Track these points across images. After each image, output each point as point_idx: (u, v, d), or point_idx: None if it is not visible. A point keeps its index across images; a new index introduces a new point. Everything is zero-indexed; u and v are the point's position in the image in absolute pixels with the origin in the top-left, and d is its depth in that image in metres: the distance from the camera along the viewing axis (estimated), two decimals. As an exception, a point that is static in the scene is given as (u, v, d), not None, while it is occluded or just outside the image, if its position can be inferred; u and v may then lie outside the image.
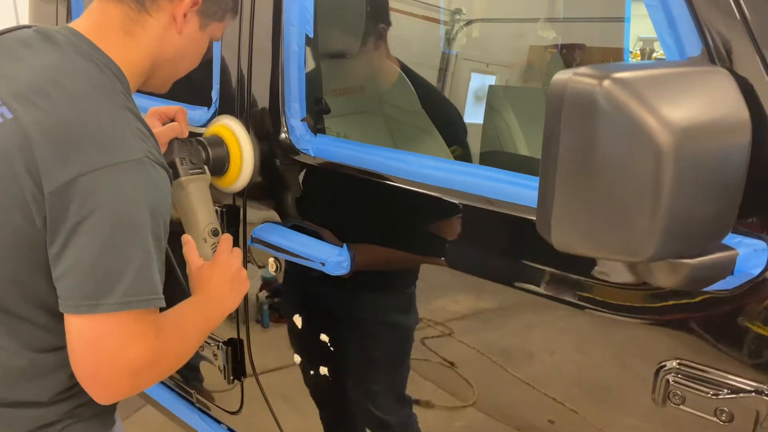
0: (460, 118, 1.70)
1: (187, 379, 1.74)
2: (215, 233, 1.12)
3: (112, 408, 0.98)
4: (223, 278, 1.02)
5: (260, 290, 1.41)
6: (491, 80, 2.33)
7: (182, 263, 1.08)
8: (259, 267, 1.36)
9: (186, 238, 1.06)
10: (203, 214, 1.13)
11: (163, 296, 0.84)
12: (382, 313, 1.23)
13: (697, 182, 0.64)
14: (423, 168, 1.05)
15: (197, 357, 1.57)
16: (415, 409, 1.20)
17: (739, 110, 0.67)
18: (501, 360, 1.04)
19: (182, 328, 0.92)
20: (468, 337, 1.07)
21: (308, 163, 1.21)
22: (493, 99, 2.04)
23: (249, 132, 1.28)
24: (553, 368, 0.98)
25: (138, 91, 1.59)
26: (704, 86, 0.66)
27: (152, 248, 0.81)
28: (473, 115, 2.33)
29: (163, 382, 1.83)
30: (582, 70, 0.64)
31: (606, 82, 0.62)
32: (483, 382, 1.08)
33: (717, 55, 0.74)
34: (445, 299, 1.12)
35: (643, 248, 0.64)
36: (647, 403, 0.84)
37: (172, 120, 1.17)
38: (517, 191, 0.93)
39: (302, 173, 1.23)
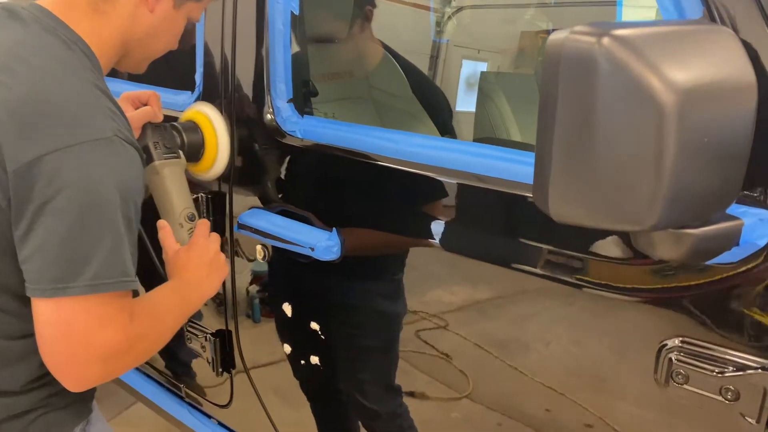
0: (446, 100, 1.67)
1: (175, 373, 1.70)
2: (192, 218, 1.10)
3: (88, 396, 0.94)
4: (200, 262, 0.99)
5: (251, 284, 1.37)
6: (483, 67, 2.30)
7: (159, 249, 1.05)
8: (249, 260, 1.32)
9: (162, 223, 1.04)
10: (179, 198, 1.10)
11: (135, 279, 0.80)
12: (373, 300, 1.20)
13: (701, 146, 0.60)
14: (414, 147, 1.01)
15: (185, 350, 1.53)
16: (409, 400, 1.16)
17: (745, 72, 0.63)
18: (496, 346, 1.00)
19: (158, 312, 0.89)
20: (463, 325, 1.04)
21: (295, 145, 1.17)
22: (485, 85, 2.01)
23: (231, 116, 1.24)
24: (549, 353, 0.95)
25: (112, 75, 1.55)
26: (708, 45, 0.63)
27: (123, 230, 0.78)
28: (465, 103, 2.30)
29: (150, 377, 1.79)
30: (580, 28, 0.61)
31: (605, 40, 0.59)
32: (478, 368, 1.04)
33: (719, 17, 0.71)
34: (440, 283, 1.08)
35: (646, 216, 0.61)
36: (649, 383, 0.81)
37: (146, 105, 1.14)
38: (511, 167, 0.90)
39: (289, 156, 1.19)
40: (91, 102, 0.79)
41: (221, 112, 1.26)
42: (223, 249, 1.08)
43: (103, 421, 0.99)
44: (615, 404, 0.89)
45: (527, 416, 1.00)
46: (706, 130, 0.60)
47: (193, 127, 1.21)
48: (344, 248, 1.11)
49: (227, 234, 1.32)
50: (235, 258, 1.34)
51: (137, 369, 1.85)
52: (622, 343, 0.86)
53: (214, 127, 1.22)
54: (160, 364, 1.74)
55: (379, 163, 1.05)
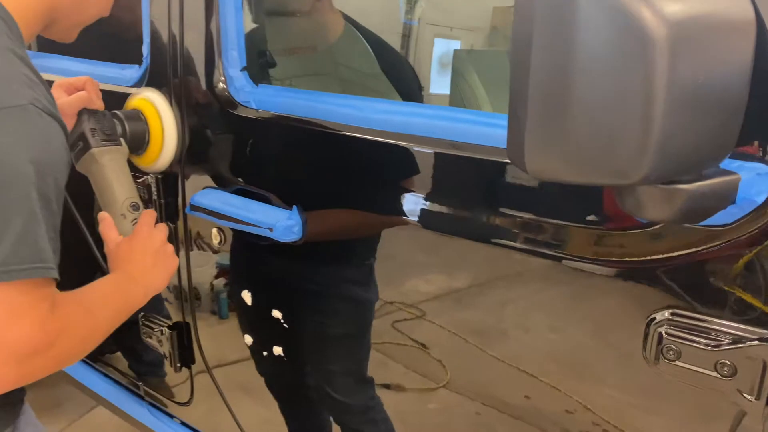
0: (413, 72, 1.59)
1: (134, 371, 1.60)
2: (135, 208, 1.01)
3: (12, 400, 0.83)
4: (144, 254, 0.92)
5: (216, 277, 1.27)
6: (456, 45, 2.22)
7: (101, 243, 0.96)
8: (214, 251, 1.22)
9: (102, 215, 0.97)
10: (120, 187, 1.02)
11: (54, 266, 0.70)
12: (341, 286, 1.11)
13: (695, 87, 0.53)
14: (378, 113, 0.93)
15: (142, 345, 1.42)
16: (384, 392, 1.09)
17: (743, 7, 0.56)
18: (474, 333, 0.93)
19: (89, 306, 0.79)
20: (440, 311, 0.97)
21: (250, 117, 1.07)
22: (458, 64, 1.93)
23: (181, 89, 1.14)
24: (528, 338, 0.88)
25: (59, 51, 1.41)
26: (701, -27, 0.55)
27: (38, 209, 0.68)
28: (439, 84, 2.22)
29: (108, 376, 1.68)
30: (556, -49, 0.53)
31: (586, -36, 0.51)
32: (455, 357, 0.97)
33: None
34: (415, 264, 1.00)
35: (633, 168, 0.54)
36: (638, 361, 0.74)
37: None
38: (489, 132, 0.82)
39: (244, 129, 1.10)
40: (4, 68, 0.70)
41: (170, 92, 1.15)
42: (172, 240, 0.99)
43: (35, 426, 0.89)
44: (600, 387, 0.82)
45: (506, 404, 0.94)
46: (700, 68, 0.53)
47: (136, 115, 1.11)
48: (306, 228, 1.02)
49: (180, 217, 1.22)
50: (200, 250, 1.24)
51: (94, 368, 1.74)
52: (607, 320, 0.79)
53: (160, 115, 1.13)
54: (118, 362, 1.63)
55: (342, 132, 0.96)
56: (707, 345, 0.68)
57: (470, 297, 0.93)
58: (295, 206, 1.02)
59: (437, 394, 1.01)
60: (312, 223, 1.03)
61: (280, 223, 1.01)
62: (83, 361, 1.75)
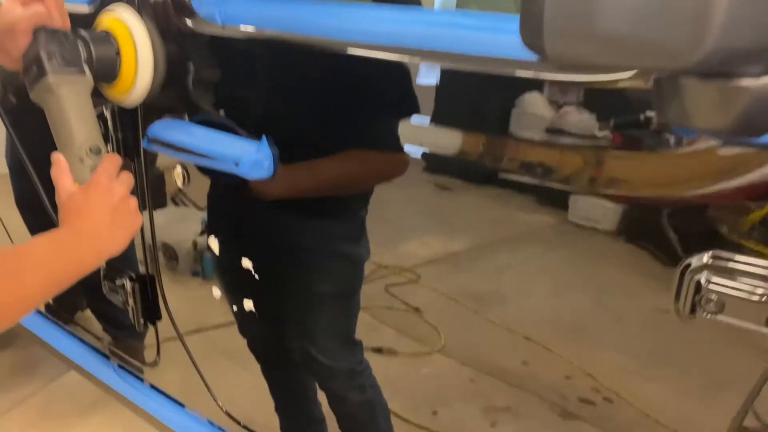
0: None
1: (107, 333, 1.50)
2: (96, 151, 0.86)
3: None
4: (100, 208, 0.77)
5: (201, 234, 1.15)
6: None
7: (52, 190, 0.82)
8: (199, 207, 1.07)
9: (56, 157, 0.82)
10: (80, 125, 0.86)
11: None
12: (329, 239, 1.00)
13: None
14: (369, 22, 0.78)
15: (102, 299, 1.31)
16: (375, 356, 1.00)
17: None
18: (472, 297, 0.84)
19: (17, 268, 0.66)
20: (435, 280, 0.87)
21: (215, 33, 0.93)
22: (463, 2, 1.79)
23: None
24: (537, 287, 0.77)
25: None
26: None
27: None
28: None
29: (72, 334, 1.57)
30: None
31: None
32: (451, 318, 0.87)
33: None
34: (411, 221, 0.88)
35: (689, 46, 0.40)
36: (667, 316, 0.61)
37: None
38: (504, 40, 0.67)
39: (208, 48, 0.96)
40: None
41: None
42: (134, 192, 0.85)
43: None
44: (619, 350, 0.71)
45: (502, 370, 0.85)
46: None
47: (105, 38, 0.94)
48: (277, 163, 0.89)
49: (140, 154, 1.08)
50: (180, 206, 1.12)
51: (62, 329, 1.63)
52: (631, 265, 0.67)
53: (134, 39, 0.96)
54: (86, 322, 1.53)
55: (325, 47, 0.82)
56: (760, 296, 0.55)
57: (470, 234, 0.82)
58: (264, 137, 0.89)
59: (431, 359, 0.92)
60: (293, 174, 0.89)
61: (248, 156, 0.88)
62: (47, 318, 1.65)
